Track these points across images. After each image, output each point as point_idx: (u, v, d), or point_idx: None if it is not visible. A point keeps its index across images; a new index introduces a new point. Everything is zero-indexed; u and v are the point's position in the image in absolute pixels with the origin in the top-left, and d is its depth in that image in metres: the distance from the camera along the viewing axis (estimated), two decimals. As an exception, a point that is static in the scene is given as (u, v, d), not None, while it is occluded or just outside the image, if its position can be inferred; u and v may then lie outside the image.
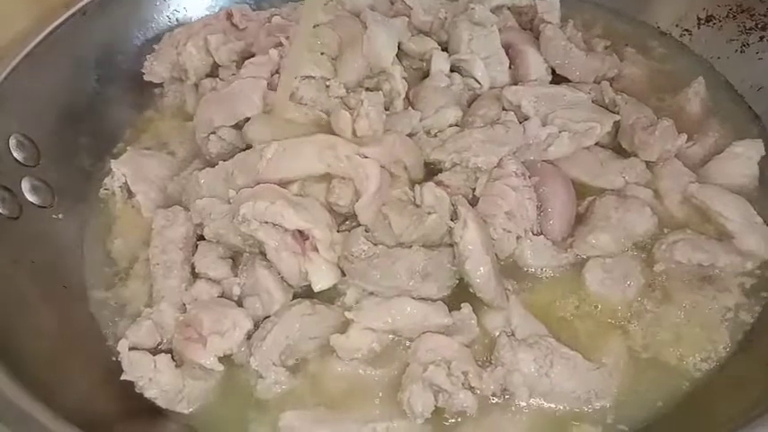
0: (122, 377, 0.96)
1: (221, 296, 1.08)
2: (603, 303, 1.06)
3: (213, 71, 1.46)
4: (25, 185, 1.21)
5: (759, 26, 1.36)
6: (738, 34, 1.39)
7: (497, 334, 1.01)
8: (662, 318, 1.03)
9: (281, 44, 1.36)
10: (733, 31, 1.40)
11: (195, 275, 1.12)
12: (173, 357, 0.99)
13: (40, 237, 1.19)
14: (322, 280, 1.06)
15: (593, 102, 1.27)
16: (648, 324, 1.03)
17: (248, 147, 1.22)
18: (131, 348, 0.98)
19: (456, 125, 1.23)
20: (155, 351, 1.01)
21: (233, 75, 1.38)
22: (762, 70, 1.34)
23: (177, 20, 1.57)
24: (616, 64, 1.38)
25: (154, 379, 0.96)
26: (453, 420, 0.95)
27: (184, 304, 1.07)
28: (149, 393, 0.96)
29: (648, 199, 1.15)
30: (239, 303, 1.07)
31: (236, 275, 1.12)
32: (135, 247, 1.20)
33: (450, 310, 1.03)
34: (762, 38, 1.35)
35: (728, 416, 0.87)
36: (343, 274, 1.07)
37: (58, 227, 1.23)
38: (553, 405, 0.96)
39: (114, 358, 1.00)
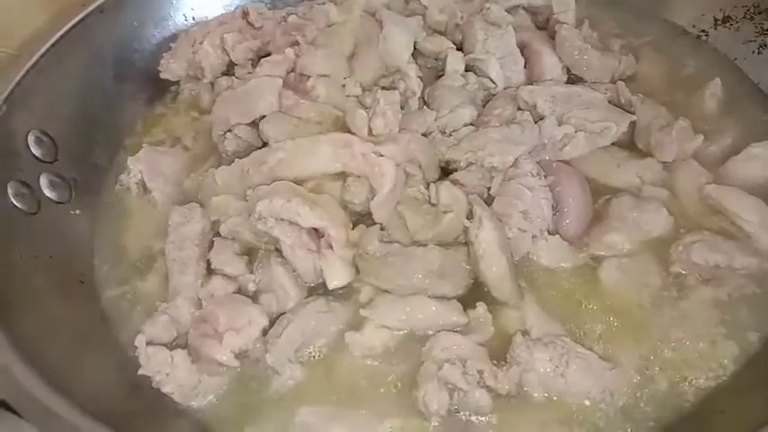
0: (140, 372, 0.97)
1: (237, 292, 1.09)
2: (619, 304, 1.05)
3: (229, 69, 1.47)
4: (43, 181, 1.22)
5: (776, 27, 1.35)
6: (756, 35, 1.38)
7: (513, 333, 1.00)
8: (680, 318, 1.02)
9: (296, 43, 1.37)
10: (750, 32, 1.39)
11: (211, 272, 1.13)
12: (188, 353, 1.00)
13: (58, 232, 1.20)
14: (337, 278, 1.07)
15: (609, 102, 1.26)
16: (664, 325, 1.02)
17: (264, 145, 1.22)
18: (148, 343, 0.99)
19: (471, 124, 1.23)
20: (170, 346, 1.02)
21: (249, 73, 1.39)
22: (779, 71, 1.33)
23: (194, 18, 1.57)
24: (632, 64, 1.38)
25: (171, 374, 0.96)
26: (467, 418, 0.95)
27: (200, 300, 1.08)
28: (166, 389, 0.97)
29: (665, 199, 1.15)
30: (254, 300, 1.07)
31: (251, 272, 1.12)
32: (150, 243, 1.21)
33: (465, 309, 1.03)
34: (779, 39, 1.35)
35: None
36: (358, 272, 1.08)
37: (76, 222, 1.24)
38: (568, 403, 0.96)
39: (131, 353, 1.00)
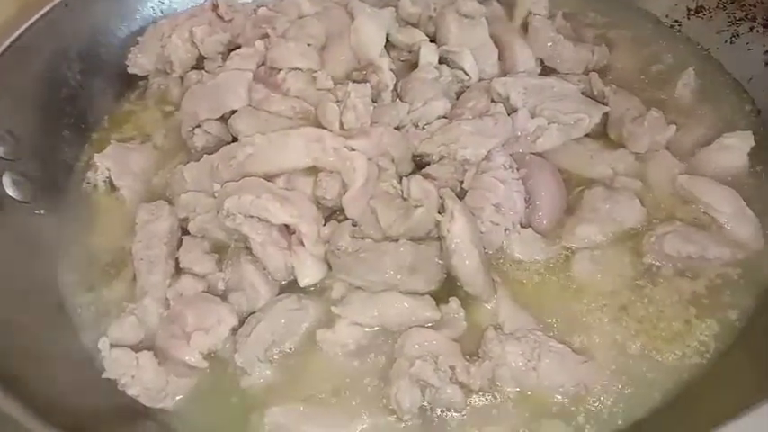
0: (104, 375, 0.95)
1: (206, 291, 1.06)
2: (592, 295, 1.05)
3: (199, 63, 1.44)
4: (6, 180, 1.19)
5: (749, 17, 1.35)
6: (728, 25, 1.38)
7: (485, 327, 0.99)
8: (653, 309, 1.02)
9: (267, 35, 1.35)
10: (723, 21, 1.40)
11: (180, 271, 1.10)
12: (155, 354, 0.97)
13: (22, 233, 1.17)
14: (309, 275, 1.05)
15: (582, 93, 1.26)
16: (638, 316, 1.02)
17: (234, 140, 1.20)
18: (113, 345, 0.97)
19: (444, 117, 1.22)
20: (137, 347, 0.99)
21: (219, 67, 1.37)
22: (752, 60, 1.33)
23: (162, 11, 1.55)
24: (606, 54, 1.37)
25: (136, 376, 0.94)
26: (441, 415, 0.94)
27: (168, 300, 1.05)
28: (132, 391, 0.95)
29: (638, 190, 1.14)
30: (224, 299, 1.05)
31: (221, 270, 1.10)
32: (118, 242, 1.18)
33: (438, 304, 1.02)
34: (752, 28, 1.35)
35: (717, 411, 0.86)
36: (330, 269, 1.06)
37: (40, 222, 1.21)
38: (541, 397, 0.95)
39: (96, 356, 0.98)
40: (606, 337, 1.00)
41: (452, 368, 0.92)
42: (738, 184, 1.16)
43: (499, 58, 1.32)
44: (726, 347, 0.98)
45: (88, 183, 1.29)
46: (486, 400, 0.95)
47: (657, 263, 1.06)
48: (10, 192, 1.19)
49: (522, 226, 1.09)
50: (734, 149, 1.19)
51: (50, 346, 1.03)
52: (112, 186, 1.27)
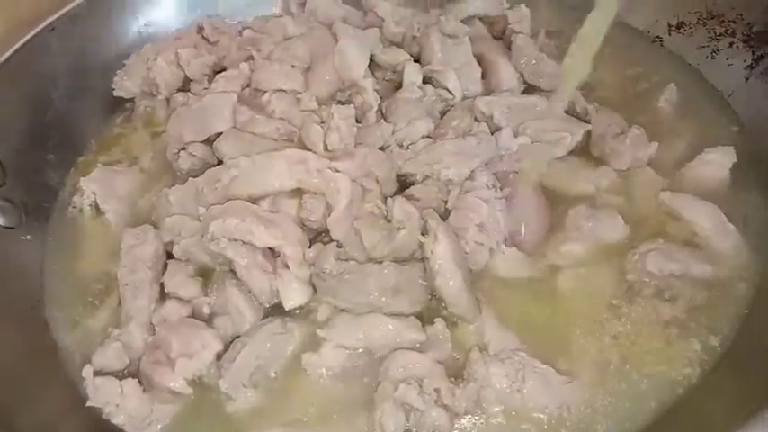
0: (88, 404, 0.94)
1: (191, 316, 1.06)
2: (577, 313, 1.05)
3: (185, 85, 1.45)
4: (-9, 206, 1.19)
5: (729, 32, 1.37)
6: (709, 41, 1.40)
7: (470, 348, 0.99)
8: (636, 327, 1.03)
9: (251, 57, 1.35)
10: (704, 37, 1.41)
11: (164, 295, 1.10)
12: (140, 381, 0.97)
13: (8, 259, 1.17)
14: (294, 298, 1.05)
15: (565, 111, 1.27)
16: (623, 334, 1.02)
17: (219, 162, 1.20)
18: (98, 373, 0.97)
19: (428, 137, 1.22)
20: (122, 374, 0.99)
21: (205, 89, 1.37)
22: (732, 76, 1.34)
23: (148, 34, 1.55)
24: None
25: (121, 405, 0.94)
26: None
27: (153, 325, 1.05)
28: (116, 420, 0.94)
29: (620, 207, 1.15)
30: (209, 323, 1.05)
31: (206, 294, 1.10)
32: (103, 267, 1.18)
33: (423, 325, 1.02)
34: (731, 44, 1.36)
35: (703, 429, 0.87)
36: (315, 291, 1.06)
37: (26, 248, 1.21)
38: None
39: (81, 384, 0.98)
40: (590, 356, 1.01)
41: (437, 391, 0.92)
42: (720, 198, 1.16)
43: (483, 77, 1.33)
44: (709, 366, 0.99)
45: (74, 207, 1.29)
46: (472, 422, 0.95)
47: (641, 280, 1.07)
48: (-5, 218, 1.19)
49: (506, 245, 1.09)
50: (716, 165, 1.20)
51: (34, 373, 1.02)
52: (98, 210, 1.27)
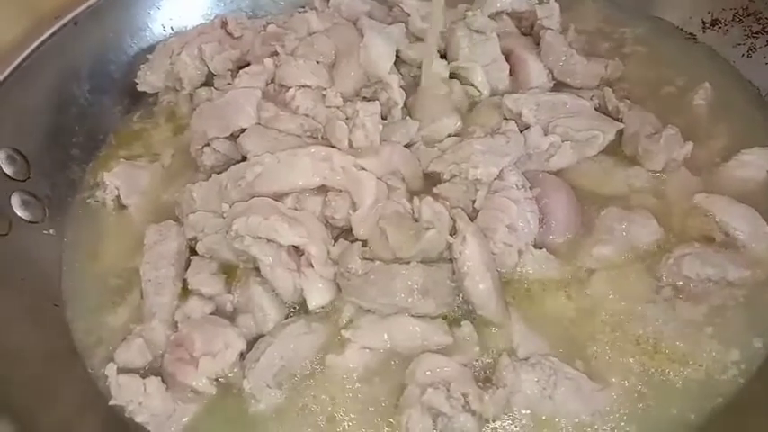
0: (111, 402, 0.94)
1: (214, 313, 1.05)
2: (610, 317, 1.02)
3: (208, 80, 1.44)
4: (15, 200, 1.18)
5: (766, 30, 1.32)
6: (745, 38, 1.36)
7: (499, 353, 0.97)
8: (672, 332, 0.99)
9: (276, 53, 1.34)
10: (739, 35, 1.37)
11: (188, 292, 1.09)
12: (162, 379, 0.96)
13: (31, 253, 1.16)
14: (318, 297, 1.04)
15: (596, 108, 1.24)
16: (657, 339, 0.99)
17: (243, 159, 1.19)
18: (120, 369, 0.96)
19: (455, 135, 1.20)
20: (145, 370, 0.98)
21: (228, 84, 1.36)
22: (769, 75, 1.30)
23: (172, 28, 1.54)
24: (619, 68, 1.34)
25: (144, 403, 0.93)
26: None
27: (176, 322, 1.04)
28: (139, 418, 0.93)
29: (654, 209, 1.12)
30: (232, 320, 1.04)
31: (229, 291, 1.08)
32: (126, 262, 1.17)
33: (450, 328, 1.00)
34: (769, 42, 1.32)
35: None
36: (340, 291, 1.04)
37: (49, 242, 1.21)
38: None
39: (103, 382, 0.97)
40: (623, 362, 0.98)
41: (465, 396, 0.90)
42: (757, 201, 1.12)
43: (510, 74, 1.31)
44: (750, 372, 0.95)
45: (96, 201, 1.28)
46: (501, 428, 0.92)
47: (676, 284, 1.03)
48: (19, 212, 1.18)
49: (535, 246, 1.07)
50: (753, 166, 1.16)
51: (55, 371, 1.01)
52: (121, 205, 1.26)
